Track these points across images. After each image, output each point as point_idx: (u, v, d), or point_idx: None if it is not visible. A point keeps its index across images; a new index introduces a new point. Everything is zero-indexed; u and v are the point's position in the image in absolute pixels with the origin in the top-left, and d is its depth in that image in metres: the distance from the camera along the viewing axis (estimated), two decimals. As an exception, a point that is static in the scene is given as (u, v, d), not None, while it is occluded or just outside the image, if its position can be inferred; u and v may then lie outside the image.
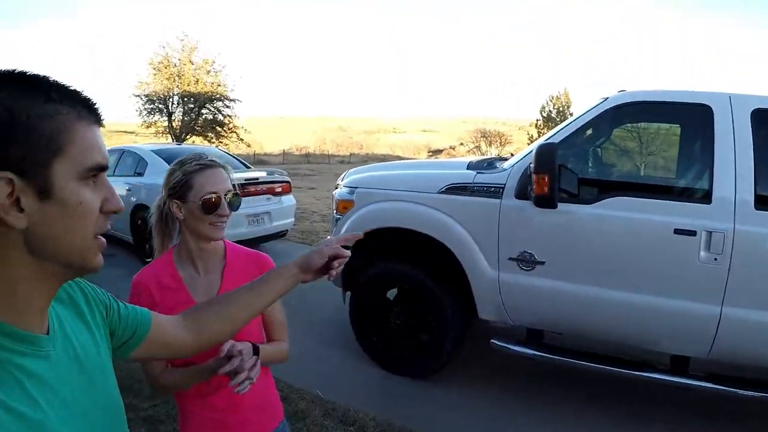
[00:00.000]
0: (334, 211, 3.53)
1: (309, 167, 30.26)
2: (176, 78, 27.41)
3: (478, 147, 43.18)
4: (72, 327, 0.71)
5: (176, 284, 1.29)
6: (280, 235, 6.35)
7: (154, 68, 27.37)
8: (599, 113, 2.50)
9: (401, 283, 3.08)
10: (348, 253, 1.03)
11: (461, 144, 53.78)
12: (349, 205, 3.36)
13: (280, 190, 6.32)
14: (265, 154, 39.32)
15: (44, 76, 0.62)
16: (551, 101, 39.51)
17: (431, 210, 2.87)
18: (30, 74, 0.61)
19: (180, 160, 1.29)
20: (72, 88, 0.64)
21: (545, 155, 2.19)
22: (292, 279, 0.99)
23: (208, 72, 28.07)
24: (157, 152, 6.42)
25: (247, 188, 5.84)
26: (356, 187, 3.38)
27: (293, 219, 6.61)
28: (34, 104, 0.58)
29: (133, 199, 6.02)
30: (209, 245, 1.30)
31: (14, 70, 0.60)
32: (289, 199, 6.49)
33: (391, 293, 3.26)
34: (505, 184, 2.61)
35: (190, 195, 1.23)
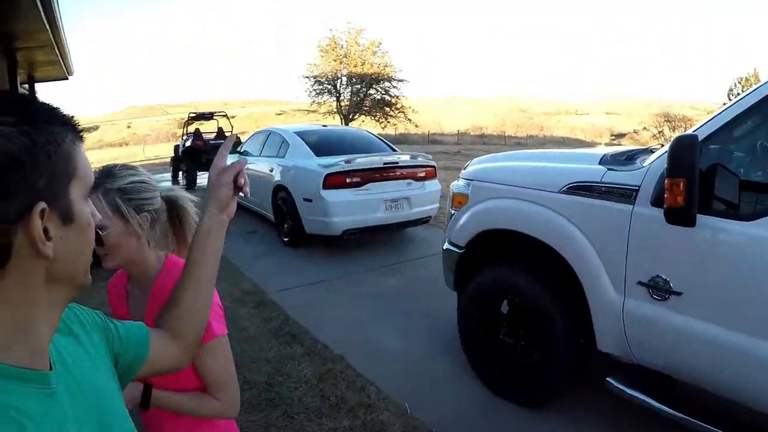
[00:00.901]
0: (450, 205, 3.38)
1: (483, 148, 30.07)
2: (343, 59, 29.63)
3: (662, 132, 38.60)
4: (73, 358, 0.72)
5: (120, 298, 1.32)
6: (421, 222, 6.34)
7: (322, 50, 29.95)
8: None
9: (513, 296, 2.82)
10: (245, 160, 1.09)
11: (644, 128, 49.01)
12: (464, 200, 3.16)
13: (423, 174, 6.27)
14: (440, 134, 40.06)
15: (36, 98, 0.64)
16: (740, 83, 35.55)
17: (550, 212, 2.53)
18: (27, 97, 0.63)
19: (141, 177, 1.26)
20: (57, 108, 0.64)
21: (682, 152, 1.69)
22: (221, 227, 1.01)
23: (375, 53, 29.80)
24: (300, 134, 6.79)
25: (385, 172, 5.95)
26: (472, 180, 3.17)
27: (437, 205, 6.53)
28: (47, 129, 0.59)
29: (275, 179, 6.54)
30: None
31: (12, 94, 0.65)
32: (432, 185, 6.41)
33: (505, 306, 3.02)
34: (639, 187, 2.14)
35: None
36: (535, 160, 3.03)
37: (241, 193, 1.04)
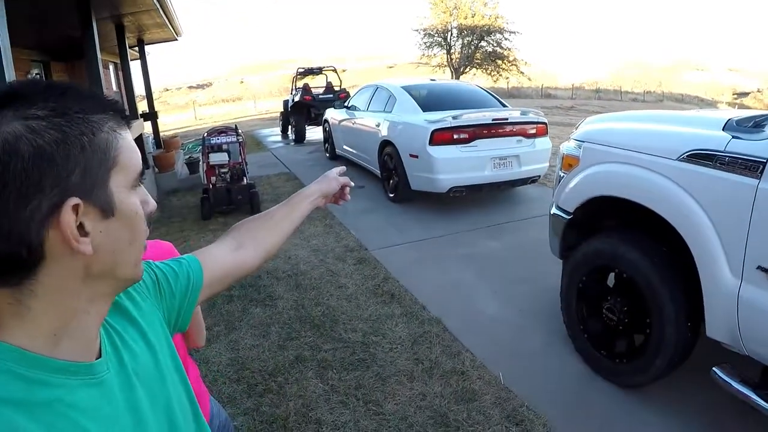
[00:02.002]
0: (559, 167, 3.31)
1: (598, 103, 28.48)
2: (453, 11, 29.11)
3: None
4: (123, 337, 0.73)
5: None
6: (530, 181, 6.23)
7: (432, 2, 29.58)
8: None
9: (620, 269, 2.74)
10: (352, 183, 1.31)
11: (771, 87, 43.68)
12: (574, 163, 3.08)
13: (533, 132, 6.11)
14: (555, 89, 38.62)
15: (76, 85, 0.63)
16: None
17: (666, 181, 2.40)
18: (62, 85, 0.61)
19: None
20: (97, 94, 0.64)
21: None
22: (314, 203, 1.22)
23: (485, 4, 28.91)
24: (407, 89, 6.83)
25: (494, 128, 5.87)
26: (584, 141, 3.07)
27: (547, 164, 6.37)
28: (81, 119, 0.58)
29: (381, 134, 6.69)
30: None
31: (44, 83, 0.61)
32: (543, 143, 6.24)
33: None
34: (767, 160, 2.00)
35: None
36: (652, 122, 2.85)
37: (341, 201, 1.33)
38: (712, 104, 40.74)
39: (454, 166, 5.64)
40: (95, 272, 0.61)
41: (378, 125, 6.87)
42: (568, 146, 3.19)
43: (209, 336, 3.56)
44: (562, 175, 3.18)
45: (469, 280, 4.28)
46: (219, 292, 1.03)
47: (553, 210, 3.26)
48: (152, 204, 0.69)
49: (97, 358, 0.66)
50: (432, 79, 8.18)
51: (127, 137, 0.64)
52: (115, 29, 7.33)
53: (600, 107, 25.30)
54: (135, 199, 0.64)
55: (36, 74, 8.06)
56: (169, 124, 25.37)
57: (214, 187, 6.40)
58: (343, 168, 1.32)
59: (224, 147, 6.56)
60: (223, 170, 6.43)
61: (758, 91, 53.87)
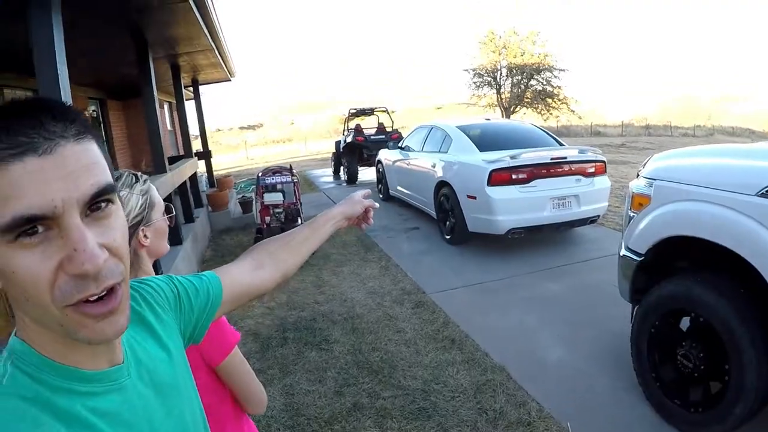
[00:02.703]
0: (629, 207, 3.27)
1: (648, 140, 27.98)
2: (502, 50, 29.63)
3: None
4: (143, 347, 0.76)
5: None
6: (589, 221, 6.14)
7: (481, 42, 30.25)
8: None
9: (696, 313, 2.65)
10: (377, 204, 1.38)
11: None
12: (645, 202, 3.04)
13: (592, 170, 6.05)
14: (604, 126, 38.37)
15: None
16: None
17: (744, 218, 2.34)
18: None
19: (120, 184, 1.19)
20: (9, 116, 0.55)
21: None
22: (337, 225, 1.28)
23: (534, 43, 29.34)
24: (463, 129, 6.90)
25: (552, 168, 5.85)
26: (655, 179, 3.03)
27: (606, 203, 6.27)
28: None
29: (437, 175, 6.76)
30: None
31: None
32: (602, 181, 6.15)
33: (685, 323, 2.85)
34: None
35: (153, 213, 1.24)
36: (725, 156, 2.79)
37: (363, 225, 1.41)
38: (764, 135, 39.47)
39: (513, 207, 5.63)
40: (25, 309, 0.59)
41: (434, 166, 6.96)
42: (637, 185, 3.15)
43: (263, 380, 3.62)
44: (631, 215, 3.14)
45: (532, 325, 4.21)
46: (235, 308, 1.05)
47: (623, 251, 3.20)
48: (79, 262, 0.55)
49: (117, 364, 0.67)
50: (487, 119, 8.26)
51: (15, 174, 0.53)
52: (171, 69, 7.75)
53: (650, 144, 24.88)
54: (13, 257, 0.54)
55: (93, 111, 8.58)
56: (221, 163, 26.32)
57: (268, 227, 6.59)
58: (368, 191, 1.39)
59: (279, 187, 6.77)
60: (277, 210, 6.63)
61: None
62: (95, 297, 0.57)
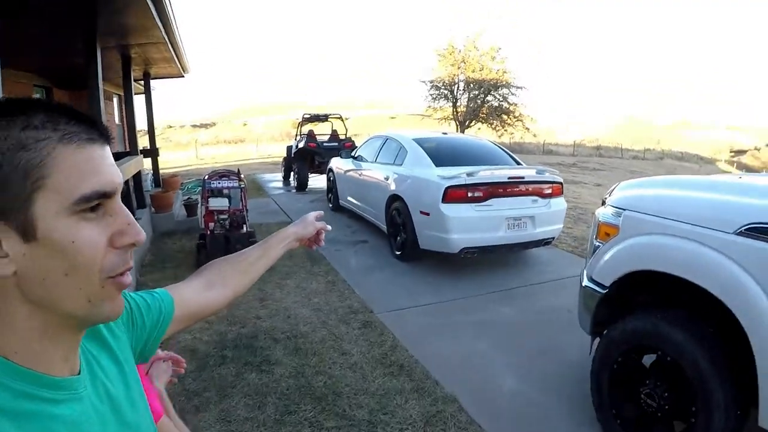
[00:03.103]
0: (594, 236, 3.13)
1: (599, 161, 28.91)
2: (461, 64, 29.81)
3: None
4: (98, 361, 0.75)
5: None
6: (544, 243, 6.06)
7: (440, 54, 30.33)
8: None
9: (661, 349, 2.52)
10: (329, 227, 1.42)
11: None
12: (613, 232, 2.91)
13: (549, 191, 5.99)
14: (556, 145, 39.37)
15: (27, 100, 0.61)
16: None
17: (720, 257, 2.23)
18: (8, 100, 0.60)
19: None
20: (60, 106, 0.62)
21: None
22: (289, 245, 1.31)
23: (493, 58, 29.68)
24: (419, 141, 6.73)
25: (509, 187, 5.74)
26: (624, 209, 2.91)
27: (561, 225, 6.24)
28: (9, 135, 0.57)
29: (392, 188, 6.55)
30: None
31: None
32: (559, 203, 6.11)
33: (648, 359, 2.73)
34: None
35: None
36: (701, 189, 2.70)
37: (314, 246, 1.44)
38: (711, 162, 41.54)
39: (468, 226, 5.48)
40: (34, 299, 0.60)
41: (387, 178, 6.75)
42: (604, 213, 3.02)
43: (198, 402, 3.31)
44: (597, 244, 3.01)
45: (484, 351, 4.04)
46: (184, 329, 1.06)
47: (585, 282, 3.06)
48: (132, 235, 0.64)
49: (75, 374, 0.68)
50: (444, 133, 8.10)
51: (76, 157, 0.59)
52: (121, 60, 7.28)
53: (601, 164, 25.72)
54: (78, 227, 0.59)
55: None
56: (169, 161, 25.45)
57: (212, 233, 6.21)
58: (320, 213, 1.43)
59: (225, 192, 6.41)
60: (222, 216, 6.26)
61: (756, 148, 55.57)
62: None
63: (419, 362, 3.80)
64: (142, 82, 10.19)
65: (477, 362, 3.87)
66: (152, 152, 10.17)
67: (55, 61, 7.44)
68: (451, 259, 5.88)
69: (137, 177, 7.66)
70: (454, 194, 5.50)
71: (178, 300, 0.99)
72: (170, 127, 63.94)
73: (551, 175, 6.06)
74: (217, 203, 6.23)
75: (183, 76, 10.52)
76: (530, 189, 5.86)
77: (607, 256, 2.86)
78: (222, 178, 6.49)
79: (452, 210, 5.48)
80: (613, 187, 3.29)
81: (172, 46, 7.00)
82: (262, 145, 33.34)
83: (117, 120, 12.83)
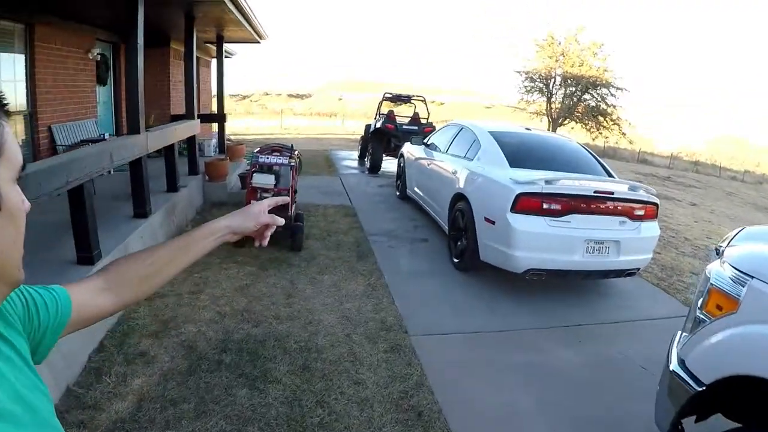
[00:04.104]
0: (700, 303, 2.21)
1: (695, 177, 26.20)
2: (559, 57, 27.67)
3: None
4: None
5: None
6: (626, 273, 5.06)
7: (538, 45, 28.27)
8: None
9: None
10: (281, 221, 1.18)
11: None
12: (729, 306, 2.00)
13: (641, 213, 4.96)
14: (651, 154, 36.46)
15: None
16: None
17: None
18: None
19: None
20: None
21: None
22: (221, 239, 1.09)
23: (595, 54, 27.26)
24: (496, 135, 5.87)
25: (594, 203, 4.78)
26: (751, 276, 1.98)
27: (651, 255, 5.19)
28: None
29: (458, 185, 5.74)
30: None
31: None
32: (651, 228, 5.07)
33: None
34: None
35: None
36: None
37: (257, 243, 1.19)
38: None
39: (538, 243, 4.60)
40: None
41: (455, 173, 5.95)
42: (719, 274, 2.10)
43: (171, 416, 2.82)
44: (702, 317, 2.10)
45: (527, 409, 3.24)
46: (76, 330, 0.93)
47: (674, 365, 2.18)
48: (27, 204, 0.67)
49: None
50: (527, 128, 7.06)
51: (9, 131, 0.63)
52: (185, 19, 6.83)
53: (697, 181, 23.43)
54: (18, 194, 0.64)
55: (98, 54, 7.75)
56: (253, 129, 25.73)
57: (252, 212, 5.68)
58: (278, 200, 1.25)
59: (275, 168, 5.85)
60: (265, 195, 5.71)
61: None
62: None
63: (442, 412, 3.06)
64: (215, 44, 9.86)
65: (513, 424, 3.07)
66: (219, 117, 9.83)
67: (117, 15, 7.10)
68: (514, 278, 5.00)
69: (191, 142, 7.28)
70: (526, 203, 4.63)
71: (74, 303, 0.89)
72: (267, 94, 65.51)
73: (646, 193, 5.03)
74: (262, 180, 5.68)
75: (258, 42, 10.07)
76: (619, 208, 4.87)
77: (714, 340, 1.97)
78: (273, 153, 5.93)
79: (522, 222, 4.61)
80: (735, 232, 2.35)
81: (236, 8, 6.46)
82: (350, 121, 32.97)
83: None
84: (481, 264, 5.15)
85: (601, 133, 28.48)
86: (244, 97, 63.37)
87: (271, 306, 4.31)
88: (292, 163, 5.87)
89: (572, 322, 4.55)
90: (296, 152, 6.24)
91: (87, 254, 3.89)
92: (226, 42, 9.77)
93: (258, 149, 6.12)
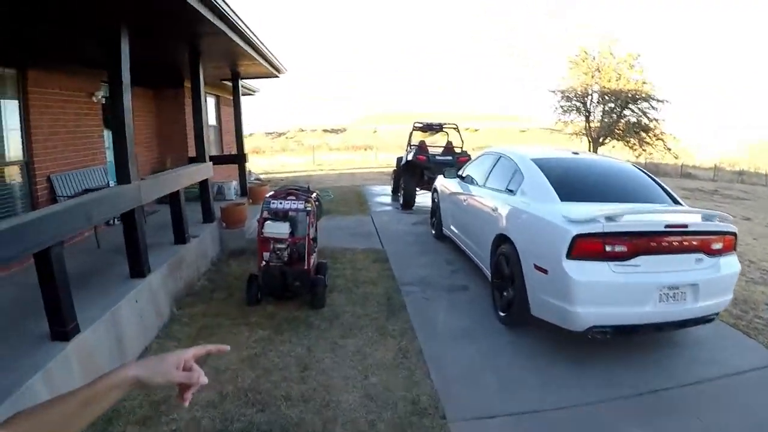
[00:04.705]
0: None
1: (741, 188, 24.48)
2: (595, 73, 26.49)
3: None
4: None
5: None
6: (705, 320, 4.16)
7: (572, 62, 27.21)
8: None
9: None
10: (204, 380, 0.96)
11: None
12: None
13: (719, 246, 4.09)
14: (693, 167, 34.68)
15: None
16: None
17: None
18: None
19: None
20: None
21: None
22: (128, 389, 0.93)
23: (632, 67, 25.94)
24: (540, 163, 5.09)
25: (666, 239, 3.95)
26: None
27: (731, 296, 4.29)
28: None
29: (500, 224, 4.96)
30: None
31: None
32: (730, 264, 4.18)
33: None
34: None
35: None
36: None
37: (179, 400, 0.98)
38: None
39: (602, 295, 3.80)
40: None
41: (495, 209, 5.19)
42: None
43: None
44: None
45: None
46: None
47: None
48: None
49: None
50: (574, 152, 6.20)
51: None
52: (189, 54, 6.35)
53: (744, 192, 21.92)
54: None
55: (102, 97, 7.31)
56: (290, 165, 25.50)
57: (266, 265, 5.04)
58: (199, 350, 1.01)
59: (291, 214, 5.22)
60: (279, 246, 5.06)
61: None
62: None
63: None
64: (230, 81, 9.49)
65: None
66: (239, 158, 9.34)
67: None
68: (572, 336, 4.15)
69: (204, 186, 6.73)
70: (585, 247, 3.84)
71: None
72: (302, 130, 66.12)
73: (723, 222, 4.19)
74: (275, 229, 5.05)
75: (277, 76, 9.63)
76: (695, 243, 4.02)
77: None
78: (288, 197, 5.30)
79: (581, 270, 3.82)
80: None
81: (240, 37, 5.93)
82: (384, 153, 32.43)
83: (213, 121, 12.30)
84: (531, 319, 4.34)
85: (644, 150, 27.07)
86: (280, 134, 64.19)
87: (282, 382, 3.62)
88: (309, 208, 5.22)
89: (646, 388, 3.67)
90: (314, 194, 5.61)
91: (60, 329, 3.30)
92: (243, 78, 9.38)
93: (271, 193, 5.51)
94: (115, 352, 3.80)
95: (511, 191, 5.13)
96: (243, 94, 12.62)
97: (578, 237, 3.84)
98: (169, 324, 4.70)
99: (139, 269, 4.47)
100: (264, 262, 5.05)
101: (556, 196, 4.50)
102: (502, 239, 4.87)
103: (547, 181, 4.71)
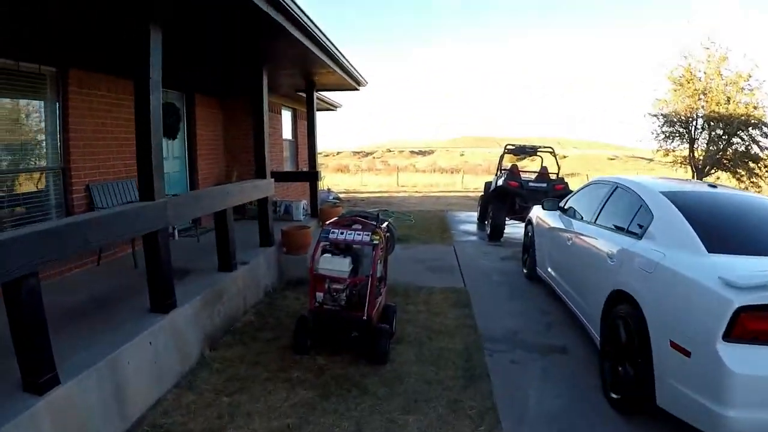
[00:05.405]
0: None
1: None
2: (701, 95, 23.64)
3: None
4: None
5: None
6: None
7: (675, 83, 24.42)
8: None
9: None
10: None
11: None
12: None
13: None
14: None
15: None
16: None
17: None
18: None
19: None
20: None
21: None
22: None
23: (742, 89, 22.83)
24: (673, 198, 3.92)
25: None
26: None
27: None
28: None
29: (618, 277, 3.82)
30: None
31: None
32: None
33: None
34: None
35: None
36: None
37: None
38: None
39: (771, 396, 2.61)
40: None
41: (610, 255, 4.06)
42: None
43: None
44: None
45: None
46: None
47: None
48: None
49: None
50: (712, 185, 4.84)
51: None
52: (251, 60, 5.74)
53: None
54: None
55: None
56: (372, 184, 24.96)
57: (319, 307, 4.19)
58: None
59: (354, 247, 4.35)
60: (336, 285, 4.18)
61: None
62: None
63: None
64: (304, 92, 8.93)
65: None
66: (311, 176, 8.66)
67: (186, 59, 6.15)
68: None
69: (263, 205, 6.00)
70: (753, 325, 2.67)
71: None
72: (389, 150, 66.30)
73: None
74: (332, 265, 4.18)
75: (357, 89, 8.94)
76: None
77: None
78: (353, 227, 4.42)
79: (744, 359, 2.64)
80: None
81: (315, 45, 5.20)
82: (469, 177, 31.18)
83: (289, 135, 11.74)
84: (654, 409, 3.18)
85: (753, 182, 23.95)
86: (368, 154, 64.75)
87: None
88: (377, 241, 4.30)
89: None
90: (385, 224, 4.71)
91: (33, 379, 2.59)
92: (319, 90, 8.76)
93: (333, 220, 4.66)
94: (112, 407, 3.04)
95: (633, 234, 3.98)
96: (322, 109, 12.08)
97: (743, 310, 2.66)
98: (195, 369, 3.94)
99: (159, 303, 3.74)
100: (317, 303, 4.20)
101: (702, 245, 3.32)
102: (620, 296, 3.72)
103: (688, 223, 3.55)
